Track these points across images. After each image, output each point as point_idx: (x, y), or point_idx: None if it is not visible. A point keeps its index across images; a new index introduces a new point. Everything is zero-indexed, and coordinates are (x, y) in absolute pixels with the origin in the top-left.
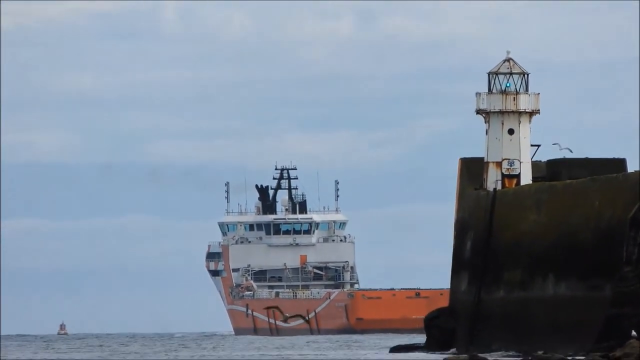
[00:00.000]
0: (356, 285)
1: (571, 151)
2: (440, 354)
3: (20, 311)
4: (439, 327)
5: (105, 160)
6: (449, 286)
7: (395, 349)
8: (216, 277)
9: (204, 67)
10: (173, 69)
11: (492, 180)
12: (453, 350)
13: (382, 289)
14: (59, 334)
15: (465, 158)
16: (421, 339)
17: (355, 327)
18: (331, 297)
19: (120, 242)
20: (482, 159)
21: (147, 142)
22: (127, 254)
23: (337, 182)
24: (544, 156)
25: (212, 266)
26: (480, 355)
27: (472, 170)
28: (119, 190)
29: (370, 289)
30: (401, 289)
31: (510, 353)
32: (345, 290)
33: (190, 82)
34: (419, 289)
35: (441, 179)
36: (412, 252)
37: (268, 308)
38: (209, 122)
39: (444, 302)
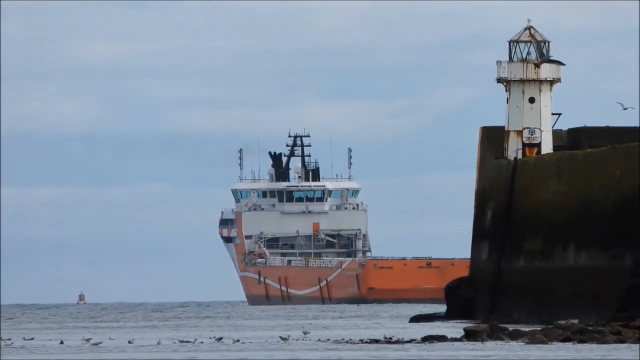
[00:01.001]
0: (368, 254)
1: (633, 108)
2: (461, 323)
3: (40, 281)
4: (459, 296)
5: (119, 129)
6: (461, 256)
7: (415, 319)
8: (229, 244)
9: (218, 36)
10: (189, 39)
11: (513, 149)
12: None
13: (394, 258)
14: (77, 304)
15: (486, 127)
16: (432, 308)
17: (367, 296)
18: (343, 266)
19: (135, 211)
20: (503, 127)
21: (160, 111)
22: (142, 223)
23: (350, 150)
24: (564, 125)
25: (225, 233)
26: (501, 324)
27: (492, 139)
28: (133, 159)
29: (382, 258)
30: (413, 258)
31: (531, 322)
32: (356, 259)
33: (204, 51)
34: (431, 258)
35: (457, 149)
36: (424, 221)
37: None
38: (222, 90)
39: (455, 272)
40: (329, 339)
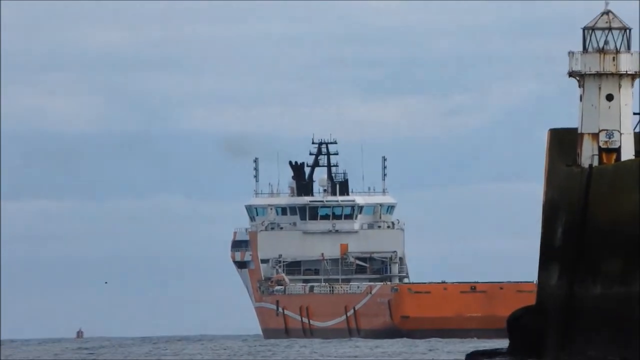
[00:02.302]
0: (405, 280)
1: None
2: None
3: (36, 313)
4: (525, 328)
5: (109, 130)
6: (509, 279)
7: (472, 356)
8: (243, 270)
9: (234, 22)
10: (197, 22)
11: (588, 155)
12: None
13: (433, 283)
14: (76, 339)
15: (555, 129)
16: (481, 343)
17: (400, 326)
18: (372, 292)
19: (129, 230)
20: (576, 130)
21: (158, 108)
22: (138, 244)
23: (384, 159)
24: None
25: (238, 256)
26: None
27: (563, 143)
28: (124, 165)
29: (420, 283)
30: (454, 282)
31: (610, 359)
32: (388, 283)
33: (212, 37)
34: (476, 282)
35: (519, 155)
36: (471, 240)
37: None
38: (233, 84)
39: (504, 298)
40: None
